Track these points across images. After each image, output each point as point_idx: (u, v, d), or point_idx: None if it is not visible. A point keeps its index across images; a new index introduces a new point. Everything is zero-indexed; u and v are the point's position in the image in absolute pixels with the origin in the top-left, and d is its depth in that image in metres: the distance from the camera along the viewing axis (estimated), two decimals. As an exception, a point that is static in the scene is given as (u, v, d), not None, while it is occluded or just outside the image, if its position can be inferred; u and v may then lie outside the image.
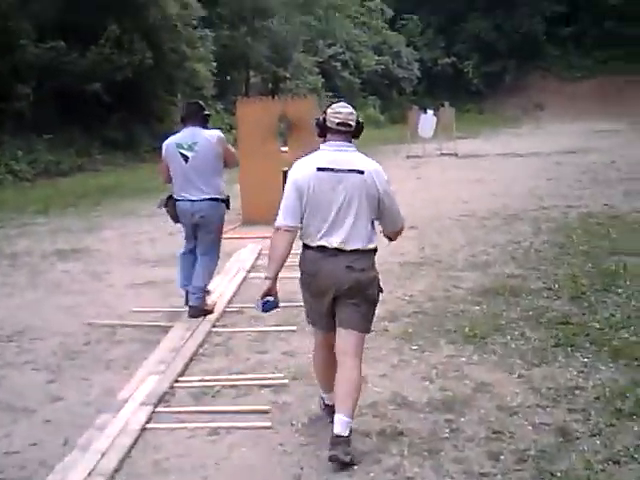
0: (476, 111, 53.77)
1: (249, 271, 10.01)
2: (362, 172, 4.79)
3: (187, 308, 7.93)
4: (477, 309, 7.99)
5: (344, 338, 4.90)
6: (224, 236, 10.25)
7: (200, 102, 8.40)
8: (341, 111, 4.89)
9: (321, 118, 4.94)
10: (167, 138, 8.09)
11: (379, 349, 6.79)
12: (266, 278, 4.92)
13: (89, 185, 20.94)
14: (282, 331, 7.40)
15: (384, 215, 4.93)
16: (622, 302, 8.04)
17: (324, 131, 4.93)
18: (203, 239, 7.99)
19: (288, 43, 38.57)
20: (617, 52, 56.11)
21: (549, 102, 54.19)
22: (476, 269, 9.80)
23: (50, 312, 8.39)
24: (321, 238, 4.80)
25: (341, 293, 4.81)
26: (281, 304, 5.12)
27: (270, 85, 39.96)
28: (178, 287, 8.26)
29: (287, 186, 4.86)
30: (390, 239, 5.20)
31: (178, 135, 7.93)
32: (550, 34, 58.41)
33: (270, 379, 6.09)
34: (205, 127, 7.96)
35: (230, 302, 8.51)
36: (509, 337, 7.04)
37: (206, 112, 8.12)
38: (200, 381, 6.06)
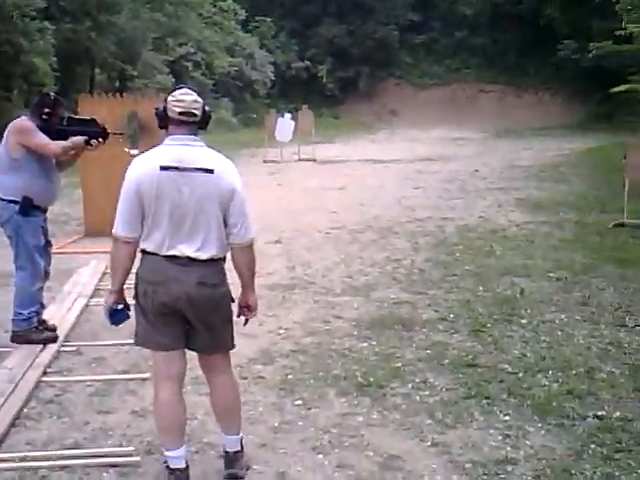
0: (331, 115, 52.95)
1: (91, 296, 8.43)
2: (212, 171, 4.14)
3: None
4: (366, 347, 6.73)
5: (207, 361, 4.44)
6: (62, 250, 8.83)
7: (50, 96, 6.95)
8: (184, 99, 4.20)
9: (161, 107, 4.25)
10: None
11: (254, 404, 5.45)
12: (111, 292, 4.34)
13: None
14: (132, 379, 5.94)
15: (233, 219, 4.20)
16: (530, 337, 7.00)
17: (165, 122, 4.25)
18: (13, 250, 6.71)
19: (136, 40, 36.43)
20: (469, 61, 56.82)
21: (403, 109, 53.94)
22: (357, 293, 8.57)
23: None
24: (169, 247, 4.13)
25: (193, 313, 4.18)
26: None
27: (117, 83, 37.80)
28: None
29: (124, 188, 4.15)
30: (244, 276, 4.38)
31: None
32: (403, 41, 58.44)
33: (116, 455, 4.61)
34: (43, 126, 6.61)
35: (66, 339, 6.95)
36: (410, 386, 5.82)
37: (46, 110, 6.67)
38: (22, 460, 4.51)
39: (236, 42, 51.18)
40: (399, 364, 6.26)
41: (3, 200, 6.57)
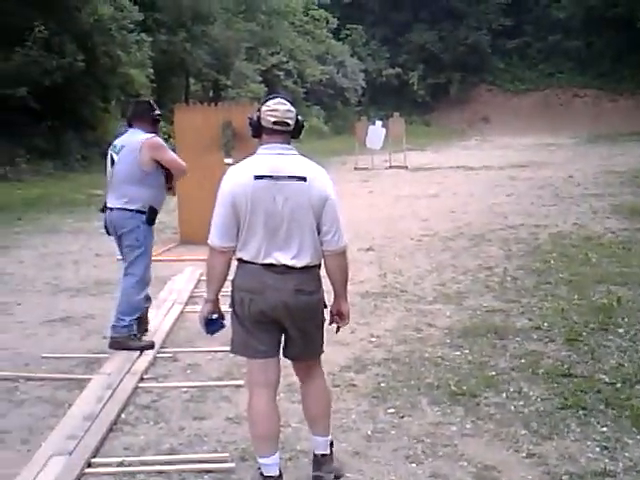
0: (422, 123, 52.88)
1: (186, 303, 8.56)
2: (304, 179, 4.15)
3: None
4: (459, 355, 6.66)
5: (302, 367, 4.51)
6: (157, 258, 8.91)
7: (150, 101, 7.56)
8: (278, 108, 4.22)
9: (255, 117, 4.27)
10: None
11: (347, 412, 5.45)
12: (207, 301, 4.37)
13: (12, 197, 19.17)
14: (226, 386, 6.00)
15: (326, 226, 4.19)
16: (627, 346, 6.81)
17: (259, 131, 4.27)
18: (126, 256, 6.99)
19: (229, 50, 36.95)
20: (562, 65, 55.98)
21: (494, 115, 53.54)
22: (449, 301, 8.50)
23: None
24: (266, 256, 4.15)
25: (290, 320, 4.20)
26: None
27: (211, 93, 38.38)
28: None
29: (220, 198, 4.20)
30: (336, 283, 4.37)
31: (120, 137, 7.08)
32: (495, 47, 57.94)
33: (211, 461, 4.66)
34: (154, 130, 7.10)
35: (163, 345, 7.07)
36: (504, 395, 5.73)
37: (156, 112, 7.19)
38: (119, 465, 4.60)
39: (327, 50, 51.52)
40: (492, 373, 6.19)
41: (130, 210, 6.82)
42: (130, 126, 7.07)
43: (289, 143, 4.28)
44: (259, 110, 4.27)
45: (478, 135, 47.30)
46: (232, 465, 4.59)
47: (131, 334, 6.84)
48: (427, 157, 30.93)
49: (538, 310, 8.03)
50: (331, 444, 4.51)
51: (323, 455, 4.44)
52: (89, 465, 4.58)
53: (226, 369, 6.38)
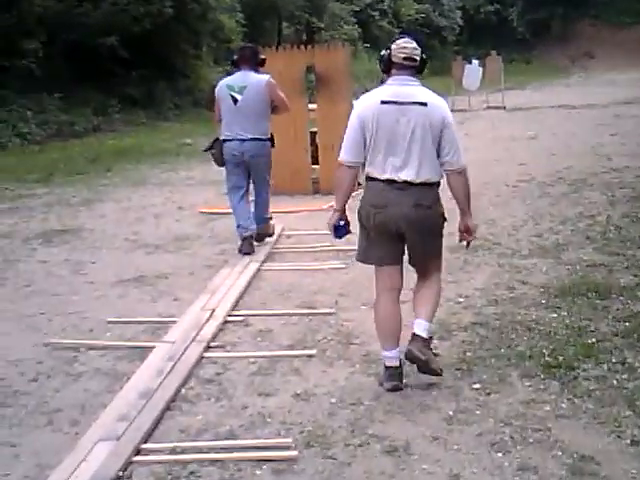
0: (522, 61, 51.14)
1: (264, 260, 8.11)
2: (425, 104, 4.74)
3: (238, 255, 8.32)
4: (555, 318, 6.03)
5: (421, 268, 5.08)
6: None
7: (254, 46, 9.03)
8: (407, 46, 4.84)
9: (386, 54, 4.88)
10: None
11: (427, 389, 4.91)
12: (334, 210, 5.02)
13: (104, 147, 19.01)
14: (297, 356, 5.52)
15: (445, 147, 4.78)
16: None
17: (389, 66, 4.88)
18: (257, 176, 8.51)
19: (321, -9, 36.31)
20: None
21: (599, 50, 51.39)
22: (545, 255, 7.86)
23: (4, 325, 6.52)
24: (389, 171, 4.76)
25: (410, 231, 4.79)
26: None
27: (304, 36, 37.64)
28: (242, 235, 8.36)
29: (351, 120, 4.86)
30: (460, 202, 4.95)
31: (230, 77, 8.45)
32: (598, -21, 55.48)
33: (272, 447, 4.18)
34: (257, 71, 8.42)
35: (235, 307, 6.64)
36: (606, 367, 5.10)
37: (261, 56, 8.61)
38: (171, 453, 4.15)
39: (423, -12, 50.08)
40: (592, 340, 5.55)
41: (263, 140, 8.33)
42: (238, 68, 8.37)
43: (414, 76, 4.84)
44: (389, 48, 4.84)
45: (582, 72, 45.55)
46: (294, 453, 4.10)
47: (269, 224, 8.86)
48: (526, 96, 29.74)
49: (645, 265, 7.34)
50: (430, 338, 4.99)
51: (420, 336, 4.84)
52: (138, 452, 4.15)
53: (300, 336, 5.91)
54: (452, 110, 18.98)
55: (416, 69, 4.86)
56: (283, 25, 36.34)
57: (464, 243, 5.21)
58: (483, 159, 14.31)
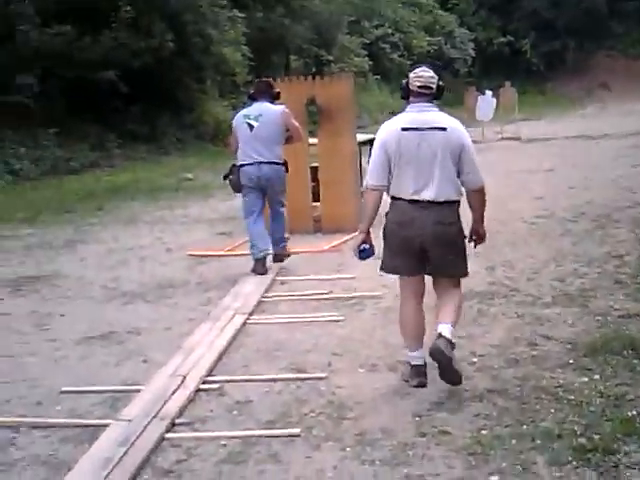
0: (536, 92, 50.22)
1: (252, 312, 7.17)
2: (445, 129, 5.09)
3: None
4: (586, 384, 5.08)
5: (440, 283, 5.33)
6: (234, 252, 9.86)
7: (269, 80, 9.49)
8: (423, 75, 5.17)
9: (404, 82, 5.24)
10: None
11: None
12: (361, 231, 5.31)
13: (99, 184, 18.14)
14: (277, 436, 4.56)
15: (465, 168, 5.14)
16: None
17: (407, 93, 5.23)
18: (273, 199, 8.90)
19: (331, 24, 35.39)
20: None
21: (615, 81, 50.37)
22: (571, 303, 6.92)
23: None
24: (412, 193, 5.08)
25: (431, 246, 5.09)
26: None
27: (313, 69, 36.86)
28: (255, 256, 8.62)
29: (375, 147, 5.24)
30: (475, 212, 5.36)
31: (247, 109, 8.92)
32: (613, 9, 54.58)
33: None
34: (273, 103, 8.90)
35: (211, 372, 5.70)
36: (652, 453, 4.14)
37: (276, 90, 9.09)
38: None
39: (434, 20, 49.40)
40: (633, 412, 4.60)
41: (278, 164, 8.71)
42: (254, 100, 8.86)
43: (431, 102, 5.18)
44: (407, 76, 5.21)
45: (598, 103, 44.59)
46: None
47: (286, 245, 9.11)
48: (542, 127, 28.82)
49: (686, 314, 6.38)
50: (452, 342, 5.07)
51: (445, 337, 5.03)
52: None
53: (283, 409, 4.97)
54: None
55: (433, 96, 5.20)
56: (292, 58, 35.58)
57: (472, 244, 5.51)
58: (497, 194, 13.26)
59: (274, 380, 5.45)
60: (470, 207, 5.31)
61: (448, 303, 5.22)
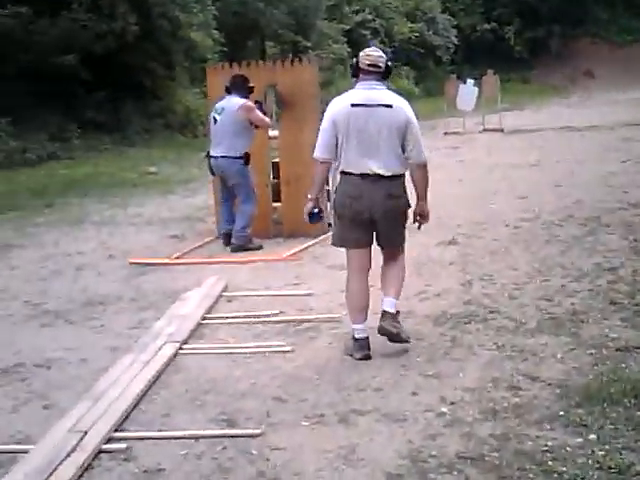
0: (520, 80, 49.31)
1: (187, 339, 6.11)
2: (390, 106, 5.43)
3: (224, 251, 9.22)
4: (580, 446, 4.08)
5: (387, 253, 5.76)
6: (180, 261, 8.97)
7: (244, 75, 9.53)
8: (372, 54, 5.52)
9: (354, 61, 5.59)
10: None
11: None
12: (309, 200, 5.67)
13: (54, 177, 16.98)
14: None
15: (409, 143, 5.45)
16: None
17: (357, 71, 5.54)
18: (235, 190, 9.29)
19: (309, 9, 34.24)
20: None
21: (600, 69, 49.52)
22: (559, 330, 5.92)
23: None
24: (361, 166, 5.41)
25: (381, 218, 5.47)
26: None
27: (290, 55, 35.75)
28: (219, 233, 9.65)
29: (324, 122, 5.54)
30: (419, 189, 5.66)
31: (220, 102, 9.31)
32: (598, -5, 53.75)
33: None
34: (247, 97, 9.25)
35: (120, 425, 4.64)
36: None
37: (250, 84, 9.35)
38: None
39: (417, 6, 48.37)
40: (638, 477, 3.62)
41: (234, 158, 9.07)
42: (229, 93, 9.23)
43: (379, 81, 5.50)
44: (357, 55, 5.57)
45: (582, 92, 43.67)
46: None
47: (248, 239, 9.27)
48: (526, 118, 27.83)
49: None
50: (397, 312, 5.56)
51: (389, 312, 5.47)
52: None
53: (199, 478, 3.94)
54: (445, 133, 17.03)
55: (381, 74, 5.51)
56: (268, 44, 34.43)
57: (416, 225, 5.83)
58: (477, 192, 12.45)
59: (196, 438, 4.41)
60: (414, 184, 5.62)
61: (392, 273, 5.66)
